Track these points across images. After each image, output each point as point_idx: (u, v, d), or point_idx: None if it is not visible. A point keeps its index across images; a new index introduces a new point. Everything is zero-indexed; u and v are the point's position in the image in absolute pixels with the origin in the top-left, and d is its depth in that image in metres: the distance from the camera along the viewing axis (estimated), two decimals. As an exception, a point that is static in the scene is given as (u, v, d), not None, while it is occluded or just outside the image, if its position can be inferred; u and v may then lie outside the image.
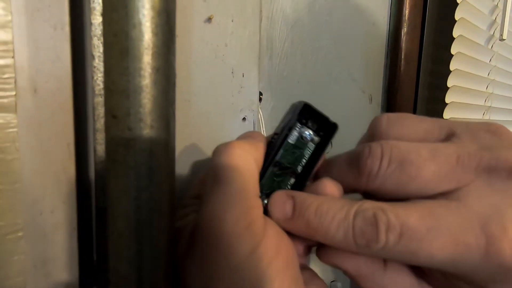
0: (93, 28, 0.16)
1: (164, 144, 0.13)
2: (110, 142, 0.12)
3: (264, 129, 0.32)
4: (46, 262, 0.18)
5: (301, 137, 0.18)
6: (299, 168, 0.18)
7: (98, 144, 0.15)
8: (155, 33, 0.12)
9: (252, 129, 0.31)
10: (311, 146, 0.19)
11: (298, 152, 0.18)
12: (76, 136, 0.18)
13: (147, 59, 0.12)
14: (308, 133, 0.19)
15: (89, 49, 0.16)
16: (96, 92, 0.16)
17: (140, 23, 0.12)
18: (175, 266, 0.16)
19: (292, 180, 0.18)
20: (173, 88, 0.14)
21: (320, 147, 0.19)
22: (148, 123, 0.12)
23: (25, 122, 0.16)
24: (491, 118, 0.69)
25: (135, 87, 0.12)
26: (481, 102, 0.65)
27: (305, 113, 0.19)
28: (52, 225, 0.18)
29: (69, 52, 0.17)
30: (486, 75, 0.64)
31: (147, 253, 0.13)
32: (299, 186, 0.18)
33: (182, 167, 0.26)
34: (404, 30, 0.50)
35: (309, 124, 0.19)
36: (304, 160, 0.18)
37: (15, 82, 0.16)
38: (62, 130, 0.17)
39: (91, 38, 0.16)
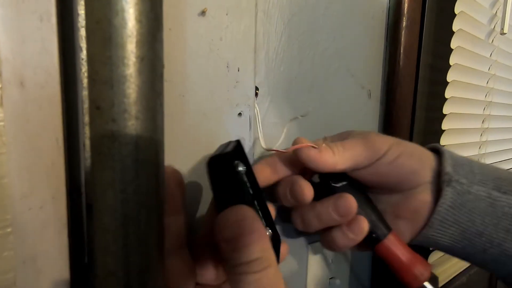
0: (80, 19, 0.15)
1: (150, 136, 0.13)
2: (95, 134, 0.12)
3: (260, 124, 0.31)
4: (36, 258, 0.18)
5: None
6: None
7: (87, 139, 0.15)
8: (138, 20, 0.12)
9: (248, 124, 0.31)
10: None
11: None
12: (65, 130, 0.18)
13: (130, 47, 0.11)
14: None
15: (77, 41, 0.15)
16: (84, 85, 0.15)
17: (123, 10, 0.11)
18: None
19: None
20: (160, 79, 0.13)
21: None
22: (133, 114, 0.12)
23: (12, 115, 0.16)
24: (491, 113, 0.69)
25: (118, 77, 0.11)
26: (481, 97, 0.64)
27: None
28: (41, 221, 0.17)
29: (56, 44, 0.17)
30: (486, 70, 0.64)
31: (134, 248, 0.13)
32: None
33: (176, 163, 0.26)
34: (404, 23, 0.50)
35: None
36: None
37: (0, 75, 0.16)
38: (50, 124, 0.17)
39: (78, 29, 0.16)
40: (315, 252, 0.42)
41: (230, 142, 0.24)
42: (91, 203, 0.14)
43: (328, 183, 0.30)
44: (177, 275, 0.19)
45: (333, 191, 0.29)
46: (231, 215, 0.18)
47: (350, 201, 0.27)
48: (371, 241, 0.29)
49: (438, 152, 0.32)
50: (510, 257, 0.28)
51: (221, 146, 0.25)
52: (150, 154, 0.13)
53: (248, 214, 0.18)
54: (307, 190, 0.27)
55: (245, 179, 0.22)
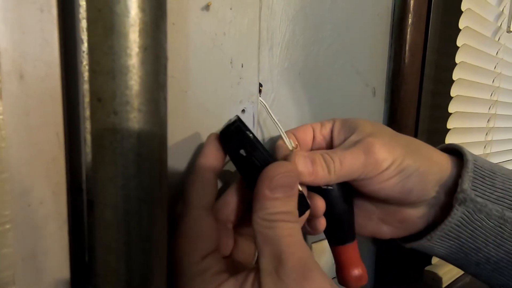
0: (81, 10, 0.15)
1: (153, 130, 0.12)
2: (96, 127, 0.12)
3: (280, 126, 0.31)
4: (36, 255, 0.17)
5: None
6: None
7: (87, 133, 0.14)
8: (142, 9, 0.11)
9: (251, 121, 0.30)
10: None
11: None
12: (65, 124, 0.17)
13: (133, 36, 0.11)
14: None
15: (78, 32, 0.15)
16: (85, 78, 0.15)
17: (125, -3, 0.11)
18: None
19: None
20: (164, 70, 0.13)
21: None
22: (135, 107, 0.11)
23: (11, 109, 0.16)
24: (497, 113, 0.68)
25: (120, 67, 0.11)
26: (487, 96, 0.64)
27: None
28: (41, 217, 0.17)
29: (57, 36, 0.16)
30: (492, 69, 0.63)
31: (136, 245, 0.12)
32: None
33: (179, 160, 0.25)
34: (409, 21, 0.49)
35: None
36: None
37: None
38: (51, 118, 0.17)
39: (79, 21, 0.15)
40: (318, 252, 0.41)
41: (230, 120, 0.24)
42: (92, 199, 0.13)
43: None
44: (207, 234, 0.20)
45: (319, 191, 0.28)
46: (280, 166, 0.21)
47: (317, 204, 0.26)
48: (331, 241, 0.31)
49: (458, 154, 0.29)
50: (503, 273, 0.27)
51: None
52: (152, 149, 0.12)
53: (294, 169, 0.22)
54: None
55: (257, 144, 0.22)
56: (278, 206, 0.20)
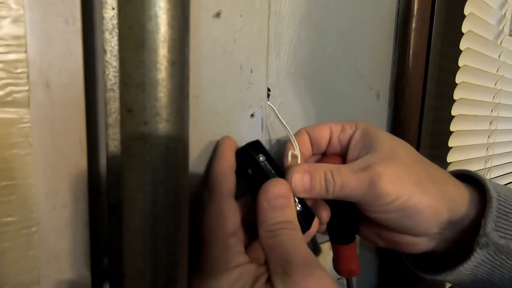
0: (104, 22, 0.16)
1: (179, 138, 0.13)
2: (126, 136, 0.12)
3: (291, 134, 0.31)
4: (59, 257, 0.18)
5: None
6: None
7: (110, 140, 0.15)
8: (171, 26, 0.12)
9: (260, 125, 0.31)
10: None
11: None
12: (88, 131, 0.18)
13: (163, 52, 0.12)
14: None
15: (101, 43, 0.15)
16: (108, 86, 0.16)
17: (156, 15, 0.11)
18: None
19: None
20: (187, 81, 0.14)
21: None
22: (164, 117, 0.12)
23: (38, 117, 0.16)
24: (499, 115, 0.68)
25: (151, 81, 0.12)
26: (489, 99, 0.64)
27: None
28: (64, 220, 0.18)
29: (81, 47, 0.17)
30: (495, 71, 0.63)
31: (163, 248, 0.13)
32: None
33: (189, 163, 0.26)
34: (413, 25, 0.50)
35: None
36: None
37: (28, 76, 0.16)
38: (74, 124, 0.17)
39: (102, 32, 0.16)
40: (323, 252, 0.42)
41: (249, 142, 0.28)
42: (116, 204, 0.14)
43: None
44: (230, 216, 0.23)
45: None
46: (274, 181, 0.23)
47: (321, 216, 0.28)
48: (333, 239, 0.33)
49: (479, 184, 0.27)
50: None
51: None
52: (178, 156, 0.13)
53: (286, 183, 0.24)
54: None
55: (265, 167, 0.25)
56: (277, 217, 0.22)
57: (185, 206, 0.14)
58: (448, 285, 0.59)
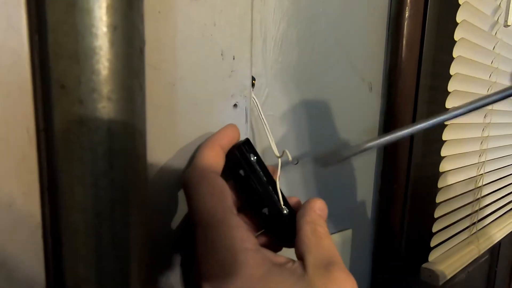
0: (50, -9, 0.13)
1: (126, 121, 0.11)
2: (60, 118, 0.10)
3: (269, 133, 0.29)
4: (5, 262, 0.16)
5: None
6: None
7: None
8: (109, -18, 0.10)
9: (243, 116, 0.29)
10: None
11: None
12: (37, 119, 0.16)
13: (99, 13, 0.09)
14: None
15: (45, 12, 0.13)
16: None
17: (88, -33, 0.09)
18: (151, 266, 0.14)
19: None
20: (139, 55, 0.12)
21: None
22: (103, 95, 0.10)
23: (-27, 101, 0.14)
24: (493, 108, 0.67)
25: (85, 49, 0.09)
26: (484, 91, 0.63)
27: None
28: (11, 220, 0.16)
29: (25, 21, 0.15)
30: (489, 63, 0.62)
31: (108, 252, 0.11)
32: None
33: (166, 156, 0.24)
34: (406, 14, 0.48)
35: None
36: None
37: (-42, 53, 0.14)
38: (20, 112, 0.15)
39: (50, 3, 0.14)
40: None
41: (240, 141, 0.26)
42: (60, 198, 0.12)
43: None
44: (229, 191, 0.22)
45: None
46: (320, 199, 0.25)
47: None
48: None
49: None
50: None
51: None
52: (126, 142, 0.11)
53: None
54: None
55: (257, 167, 0.25)
56: (323, 224, 0.24)
57: (138, 201, 0.12)
58: (442, 281, 0.58)
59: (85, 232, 0.10)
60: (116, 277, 0.11)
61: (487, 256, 0.88)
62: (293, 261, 0.22)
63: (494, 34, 0.61)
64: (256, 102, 0.30)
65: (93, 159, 0.10)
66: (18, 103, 0.15)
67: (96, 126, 0.10)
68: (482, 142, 0.66)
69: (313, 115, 0.41)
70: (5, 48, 0.15)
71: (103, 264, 0.11)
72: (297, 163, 0.39)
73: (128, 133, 0.11)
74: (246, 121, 0.29)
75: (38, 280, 0.16)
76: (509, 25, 0.60)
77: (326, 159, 0.25)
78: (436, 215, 0.57)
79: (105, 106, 0.10)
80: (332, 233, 0.46)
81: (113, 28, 0.10)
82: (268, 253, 0.22)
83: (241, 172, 0.24)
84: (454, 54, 0.52)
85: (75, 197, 0.10)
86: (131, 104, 0.11)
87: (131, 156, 0.11)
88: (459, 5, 0.51)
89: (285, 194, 0.26)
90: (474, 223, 0.69)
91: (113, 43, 0.10)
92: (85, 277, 0.11)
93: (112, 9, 0.10)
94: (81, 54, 0.10)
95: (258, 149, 0.32)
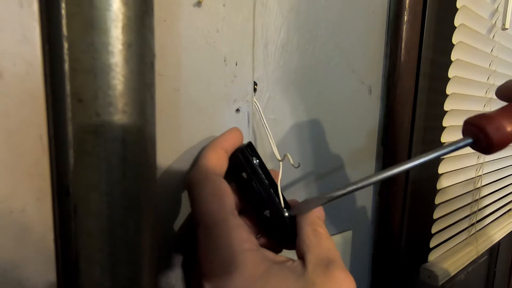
0: (64, 5, 0.14)
1: (139, 132, 0.11)
2: (77, 130, 0.11)
3: (271, 138, 0.30)
4: (18, 266, 0.16)
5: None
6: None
7: (70, 135, 0.13)
8: (124, 3, 0.10)
9: (246, 120, 0.30)
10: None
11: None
12: (50, 126, 0.16)
13: (115, 32, 0.10)
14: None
15: (61, 28, 0.14)
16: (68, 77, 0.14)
17: (106, -11, 0.10)
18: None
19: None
20: (151, 69, 0.12)
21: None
22: (119, 108, 0.10)
23: (-11, 110, 0.15)
24: (492, 110, 0.68)
25: (102, 66, 0.10)
26: (482, 93, 0.64)
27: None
28: (23, 224, 0.16)
29: (39, 32, 0.15)
30: (487, 66, 0.63)
31: (122, 256, 0.11)
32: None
33: (170, 161, 0.25)
34: (405, 18, 0.48)
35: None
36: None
37: (-25, 65, 0.14)
38: (33, 119, 0.16)
39: (62, 16, 0.14)
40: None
41: (243, 144, 0.27)
42: (76, 205, 0.12)
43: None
44: (231, 193, 0.23)
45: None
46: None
47: None
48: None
49: None
50: None
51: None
52: (139, 152, 0.12)
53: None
54: None
55: (260, 170, 0.25)
56: (323, 225, 0.25)
57: (149, 208, 0.12)
58: (442, 281, 0.59)
59: (101, 238, 0.11)
60: (129, 280, 0.11)
61: (486, 257, 0.89)
62: (293, 260, 0.23)
63: (491, 37, 0.62)
64: (258, 107, 0.30)
65: (108, 168, 0.11)
66: (31, 111, 0.16)
67: (112, 137, 0.11)
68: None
69: (314, 118, 0.42)
70: (20, 58, 0.15)
71: (118, 268, 0.11)
72: (298, 167, 0.40)
73: (140, 142, 0.12)
74: (249, 125, 0.30)
75: (49, 285, 0.17)
76: (507, 28, 0.60)
77: (300, 207, 0.25)
78: (435, 216, 0.58)
79: (120, 119, 0.11)
80: (332, 235, 0.47)
81: (128, 45, 0.10)
82: (268, 253, 0.22)
83: (244, 175, 0.25)
84: (452, 57, 0.53)
85: (91, 204, 0.11)
86: (143, 115, 0.11)
87: (143, 165, 0.12)
88: (457, 9, 0.52)
89: (286, 197, 0.26)
90: (473, 224, 0.70)
91: (127, 60, 0.10)
92: (100, 281, 0.11)
93: (127, 28, 0.10)
94: (98, 70, 0.10)
95: (260, 153, 0.33)
